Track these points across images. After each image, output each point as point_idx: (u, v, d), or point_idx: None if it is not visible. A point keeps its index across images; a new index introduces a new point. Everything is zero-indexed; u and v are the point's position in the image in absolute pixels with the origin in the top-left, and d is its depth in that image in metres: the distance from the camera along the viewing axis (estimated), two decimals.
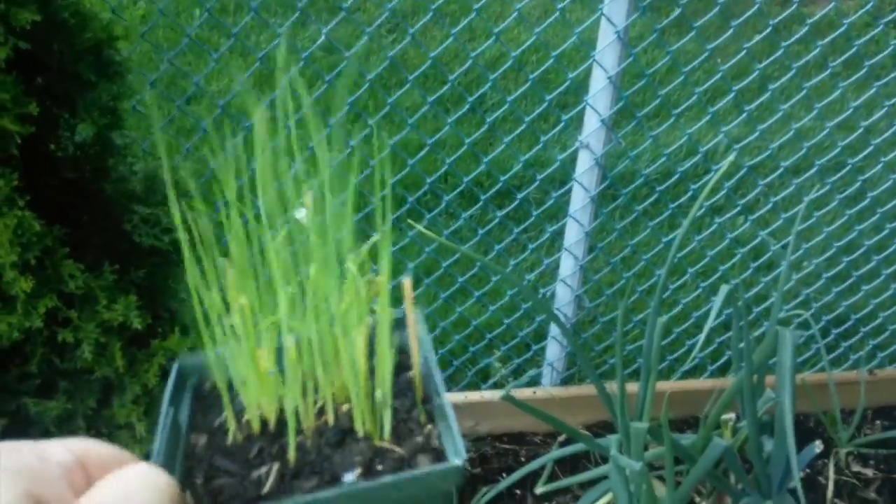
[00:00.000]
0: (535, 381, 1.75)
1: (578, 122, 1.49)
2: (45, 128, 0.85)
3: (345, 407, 0.44)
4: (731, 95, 1.53)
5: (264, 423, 0.44)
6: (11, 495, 0.28)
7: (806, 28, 1.48)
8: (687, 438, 1.42)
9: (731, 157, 1.12)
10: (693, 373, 1.83)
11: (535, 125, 2.56)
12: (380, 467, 0.41)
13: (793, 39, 1.52)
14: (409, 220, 1.24)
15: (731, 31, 1.43)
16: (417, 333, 0.46)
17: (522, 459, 1.61)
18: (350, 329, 0.43)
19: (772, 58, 1.61)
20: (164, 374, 0.91)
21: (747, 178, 2.17)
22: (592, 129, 1.43)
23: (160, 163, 0.99)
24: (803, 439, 1.30)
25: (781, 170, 1.63)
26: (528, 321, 1.78)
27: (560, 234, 1.62)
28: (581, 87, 1.47)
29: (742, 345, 1.20)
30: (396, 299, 0.47)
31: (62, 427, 0.89)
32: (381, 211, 0.43)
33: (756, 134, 1.61)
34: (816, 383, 1.70)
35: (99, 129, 0.90)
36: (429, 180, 1.56)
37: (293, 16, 2.79)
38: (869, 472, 1.63)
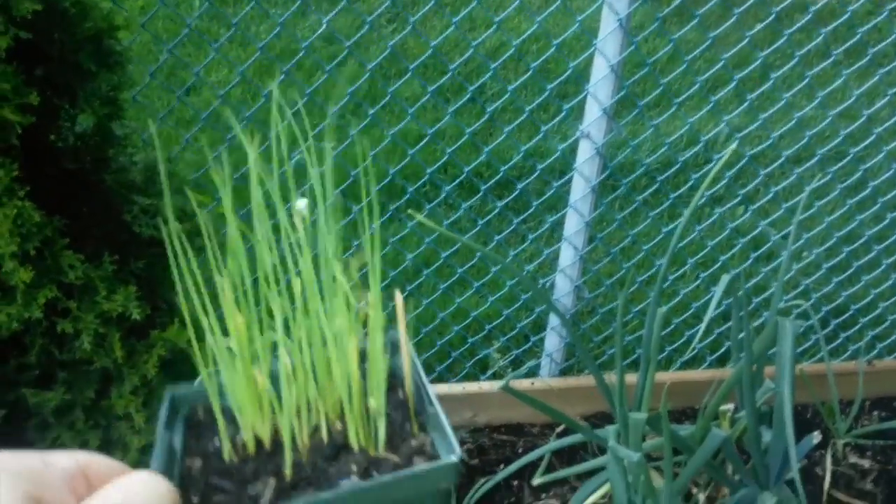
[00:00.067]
0: (533, 373, 1.75)
1: (579, 111, 1.49)
2: (46, 118, 0.85)
3: (338, 424, 0.45)
4: (733, 84, 1.52)
5: (259, 443, 0.44)
6: (12, 496, 0.28)
7: (808, 16, 1.47)
8: (685, 429, 1.42)
9: (732, 146, 1.12)
10: (692, 363, 1.84)
11: (536, 115, 2.55)
12: (376, 474, 0.42)
13: (795, 27, 1.51)
14: (410, 211, 1.24)
15: (733, 19, 1.42)
16: (408, 350, 0.47)
17: (520, 450, 1.61)
18: (343, 340, 0.43)
19: (774, 46, 1.60)
20: (164, 365, 0.91)
21: (748, 168, 2.16)
22: (593, 119, 1.42)
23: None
24: (801, 430, 1.30)
25: (783, 159, 1.63)
26: (527, 312, 1.79)
27: (560, 224, 1.62)
28: (581, 76, 1.46)
29: (742, 335, 1.20)
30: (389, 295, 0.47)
31: (61, 418, 0.89)
32: (367, 213, 0.43)
33: (757, 123, 1.61)
34: (815, 374, 1.70)
35: (99, 120, 0.90)
36: (429, 170, 1.56)
37: (293, 5, 2.77)
38: (866, 462, 1.64)
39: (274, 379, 0.43)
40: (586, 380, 1.69)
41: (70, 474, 0.32)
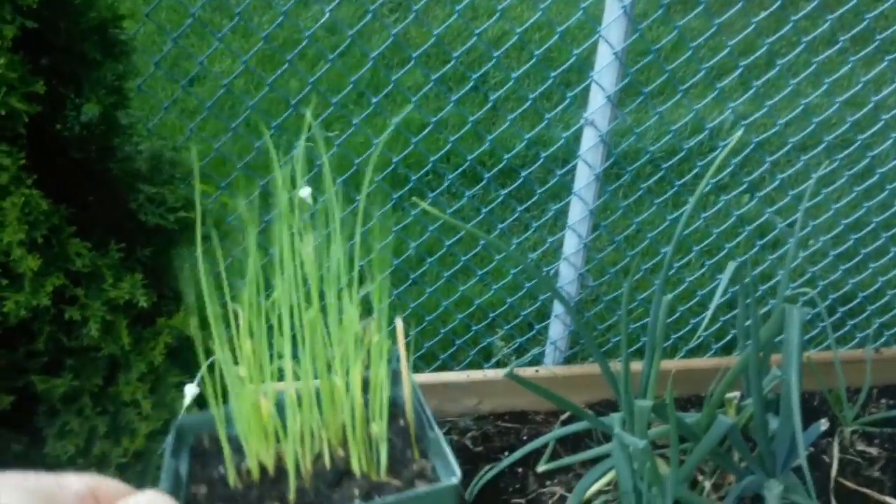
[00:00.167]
0: (537, 361, 1.75)
1: (583, 99, 1.48)
2: (52, 107, 0.85)
3: (341, 451, 0.46)
4: (738, 71, 1.51)
5: (263, 470, 0.46)
6: None
7: (815, 2, 1.46)
8: (691, 417, 1.43)
9: (738, 134, 1.11)
10: (697, 352, 1.84)
11: (539, 103, 2.54)
12: (378, 498, 0.43)
13: (801, 14, 1.50)
14: (414, 199, 1.24)
15: (738, 6, 1.41)
16: (409, 377, 0.48)
17: (524, 438, 1.62)
18: (347, 366, 0.45)
19: (779, 33, 1.59)
20: (170, 353, 0.92)
21: (753, 156, 2.15)
22: (597, 106, 1.42)
23: (165, 142, 1.00)
24: (808, 418, 1.30)
25: (789, 146, 1.62)
26: (531, 300, 1.79)
27: (564, 212, 1.62)
28: (585, 64, 1.46)
29: (748, 322, 1.20)
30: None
31: (69, 404, 0.90)
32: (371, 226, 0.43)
33: (763, 110, 1.60)
34: (822, 361, 1.70)
35: (105, 109, 0.90)
36: (432, 159, 1.56)
37: None
38: (873, 450, 1.64)
39: (279, 407, 0.45)
40: (590, 368, 1.69)
41: (81, 496, 0.33)
